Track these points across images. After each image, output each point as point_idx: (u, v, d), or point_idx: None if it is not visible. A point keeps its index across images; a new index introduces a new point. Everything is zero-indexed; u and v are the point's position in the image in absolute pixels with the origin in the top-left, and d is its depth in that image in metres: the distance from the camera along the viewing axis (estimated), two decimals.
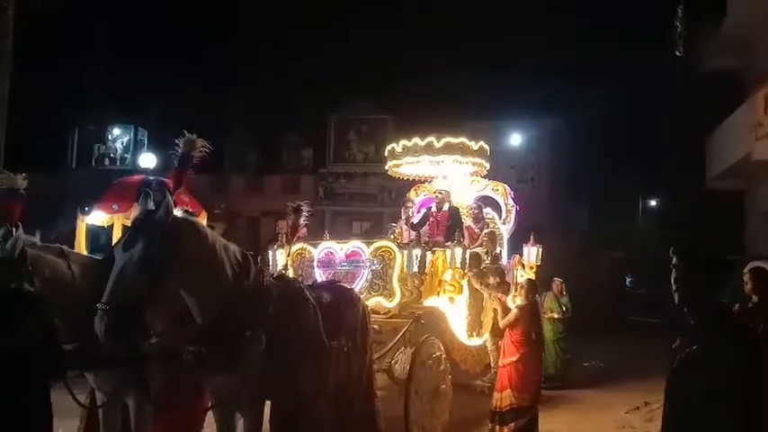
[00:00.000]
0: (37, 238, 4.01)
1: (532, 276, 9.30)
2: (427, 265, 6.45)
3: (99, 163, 20.92)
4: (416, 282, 6.34)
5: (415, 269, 6.29)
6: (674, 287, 2.45)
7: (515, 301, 7.07)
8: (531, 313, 6.87)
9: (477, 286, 7.46)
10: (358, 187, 20.65)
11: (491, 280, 7.43)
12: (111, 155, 21.11)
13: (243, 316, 3.42)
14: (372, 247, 6.50)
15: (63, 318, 3.74)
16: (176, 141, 3.78)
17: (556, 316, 9.89)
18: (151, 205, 3.21)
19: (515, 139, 20.92)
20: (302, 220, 5.65)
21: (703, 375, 2.23)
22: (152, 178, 7.37)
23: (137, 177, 7.30)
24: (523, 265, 9.19)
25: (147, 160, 8.26)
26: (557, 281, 10.19)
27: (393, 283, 6.36)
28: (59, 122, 21.14)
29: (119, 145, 21.28)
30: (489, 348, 7.59)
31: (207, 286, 3.37)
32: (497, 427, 6.81)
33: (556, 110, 21.14)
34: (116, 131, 21.38)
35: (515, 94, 20.89)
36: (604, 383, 10.16)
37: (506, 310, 7.02)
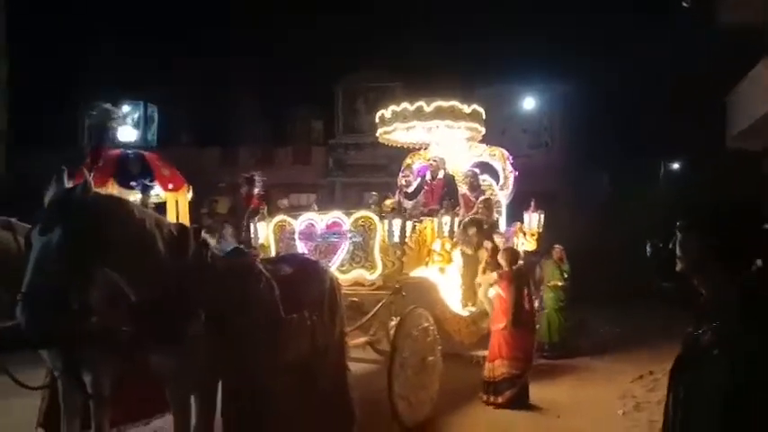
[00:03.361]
0: None
1: (534, 244, 9.09)
2: (408, 234, 6.22)
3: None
4: (398, 252, 6.14)
5: (396, 239, 6.08)
6: (678, 253, 1.97)
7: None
8: (513, 280, 6.71)
9: (464, 247, 7.29)
10: (367, 158, 20.24)
11: (470, 231, 7.27)
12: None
13: (180, 292, 3.28)
14: (353, 218, 6.29)
15: (10, 292, 3.66)
16: (89, 113, 3.59)
17: (559, 284, 9.62)
18: (67, 185, 3.04)
19: (528, 103, 20.34)
20: (257, 190, 5.46)
21: (717, 370, 1.75)
22: (130, 152, 7.26)
23: (114, 151, 7.16)
24: (524, 233, 8.94)
25: (127, 134, 8.07)
26: (557, 248, 9.87)
27: (374, 255, 6.17)
28: (69, 103, 21.13)
29: (129, 122, 21.14)
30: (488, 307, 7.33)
31: (136, 264, 3.22)
32: (491, 398, 6.71)
33: (570, 73, 20.38)
34: (126, 108, 21.18)
35: (528, 59, 20.20)
36: (613, 352, 9.94)
37: (495, 251, 6.93)
